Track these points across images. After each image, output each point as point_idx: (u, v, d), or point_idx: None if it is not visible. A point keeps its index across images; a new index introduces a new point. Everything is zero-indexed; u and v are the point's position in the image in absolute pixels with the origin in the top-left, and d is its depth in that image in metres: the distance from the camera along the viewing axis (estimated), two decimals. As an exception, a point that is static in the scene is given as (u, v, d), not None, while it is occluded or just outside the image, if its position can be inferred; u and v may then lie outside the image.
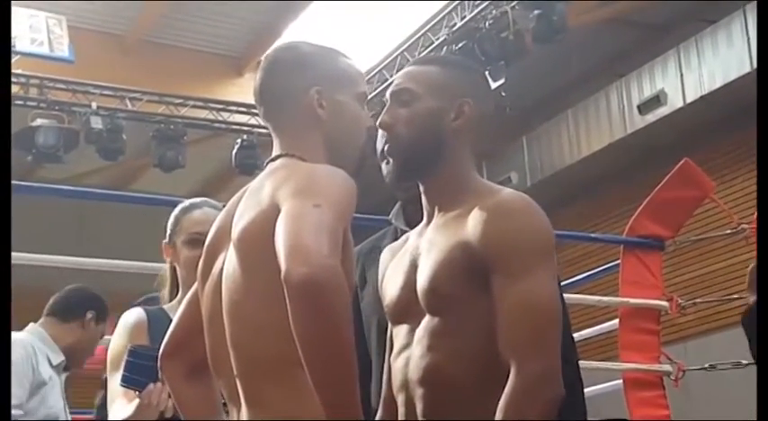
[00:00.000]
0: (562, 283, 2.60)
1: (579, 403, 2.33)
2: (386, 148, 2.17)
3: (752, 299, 2.74)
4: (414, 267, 2.10)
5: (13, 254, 4.21)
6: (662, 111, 10.35)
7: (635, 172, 10.50)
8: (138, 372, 2.68)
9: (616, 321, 5.51)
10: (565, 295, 2.36)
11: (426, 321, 2.04)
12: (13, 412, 3.49)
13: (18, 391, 3.54)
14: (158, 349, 2.14)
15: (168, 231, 2.98)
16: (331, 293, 1.64)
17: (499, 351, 1.93)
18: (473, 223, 2.01)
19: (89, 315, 3.86)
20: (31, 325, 3.84)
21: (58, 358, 3.79)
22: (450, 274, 2.01)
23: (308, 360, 1.65)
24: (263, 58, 2.15)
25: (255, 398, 1.88)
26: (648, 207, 5.52)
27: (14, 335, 3.78)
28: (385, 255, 2.29)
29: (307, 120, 2.04)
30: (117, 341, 2.91)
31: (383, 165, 2.19)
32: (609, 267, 6.00)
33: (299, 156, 2.00)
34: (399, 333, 2.12)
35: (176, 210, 3.01)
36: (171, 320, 2.19)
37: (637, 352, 5.38)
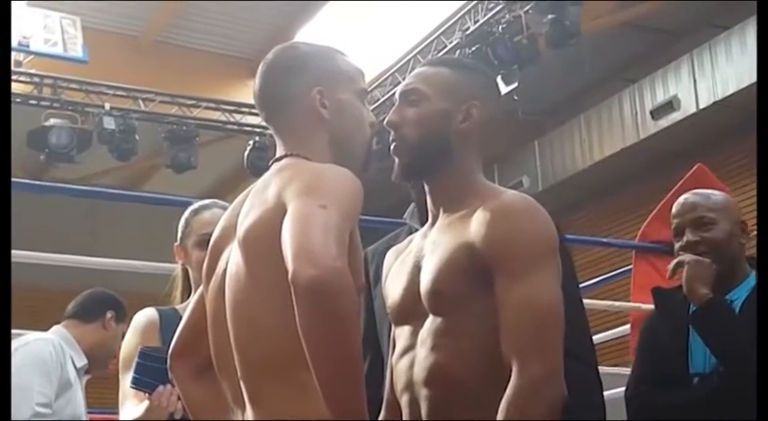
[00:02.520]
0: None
1: (599, 406, 2.33)
2: (392, 148, 2.18)
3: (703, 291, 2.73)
4: (417, 268, 2.11)
5: (26, 253, 4.25)
6: (675, 117, 10.34)
7: (647, 177, 10.48)
8: (149, 374, 2.69)
9: (628, 326, 5.49)
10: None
11: (430, 322, 2.04)
12: (43, 410, 3.49)
13: (47, 389, 3.53)
14: (168, 350, 2.14)
15: (179, 233, 3.00)
16: (339, 295, 1.64)
17: (502, 351, 1.93)
18: (476, 224, 2.02)
19: (109, 314, 3.86)
20: (54, 327, 3.85)
21: (81, 361, 3.78)
22: (454, 276, 2.01)
23: (315, 361, 1.65)
24: (261, 61, 2.14)
25: (260, 399, 1.87)
26: (661, 212, 5.49)
27: (42, 335, 3.79)
28: (389, 255, 2.30)
29: (310, 121, 2.04)
30: (129, 340, 2.93)
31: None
32: (621, 272, 5.99)
33: (304, 155, 2.00)
34: (402, 334, 2.12)
35: (186, 213, 3.03)
36: (183, 321, 2.19)
37: (648, 357, 5.36)
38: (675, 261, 2.80)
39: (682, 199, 2.96)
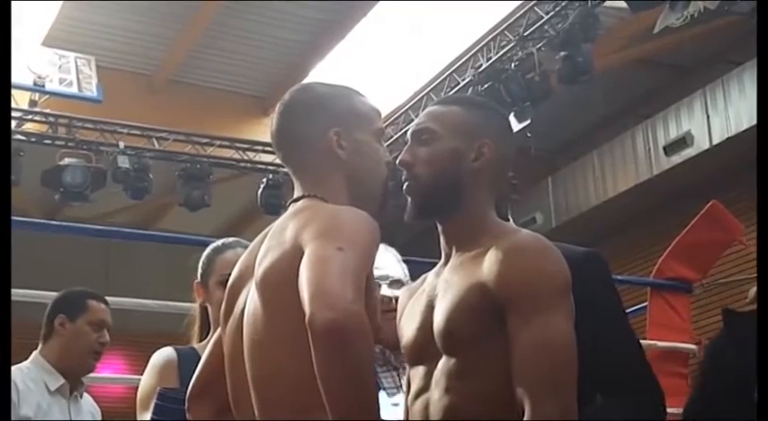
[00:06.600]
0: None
1: None
2: (405, 187, 2.17)
3: None
4: (430, 308, 2.10)
5: (41, 292, 4.24)
6: (688, 153, 10.32)
7: (661, 213, 10.45)
8: (166, 416, 2.67)
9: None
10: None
11: (443, 363, 2.04)
12: None
13: None
14: (186, 391, 2.13)
15: (200, 270, 2.98)
16: (355, 339, 1.65)
17: (514, 392, 1.92)
18: (489, 264, 2.01)
19: (58, 319, 3.71)
20: (33, 353, 3.73)
21: (57, 383, 3.65)
22: (467, 315, 2.01)
23: (332, 404, 1.66)
24: (279, 102, 2.15)
25: None
26: (676, 249, 5.49)
27: (16, 366, 3.56)
28: (403, 294, 2.30)
29: (327, 162, 2.05)
30: (147, 381, 2.91)
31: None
32: (636, 309, 5.96)
33: (321, 196, 2.01)
34: (416, 374, 2.12)
35: (209, 250, 3.01)
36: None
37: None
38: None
39: None
